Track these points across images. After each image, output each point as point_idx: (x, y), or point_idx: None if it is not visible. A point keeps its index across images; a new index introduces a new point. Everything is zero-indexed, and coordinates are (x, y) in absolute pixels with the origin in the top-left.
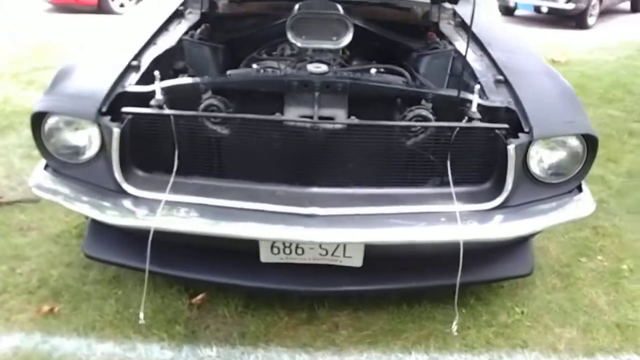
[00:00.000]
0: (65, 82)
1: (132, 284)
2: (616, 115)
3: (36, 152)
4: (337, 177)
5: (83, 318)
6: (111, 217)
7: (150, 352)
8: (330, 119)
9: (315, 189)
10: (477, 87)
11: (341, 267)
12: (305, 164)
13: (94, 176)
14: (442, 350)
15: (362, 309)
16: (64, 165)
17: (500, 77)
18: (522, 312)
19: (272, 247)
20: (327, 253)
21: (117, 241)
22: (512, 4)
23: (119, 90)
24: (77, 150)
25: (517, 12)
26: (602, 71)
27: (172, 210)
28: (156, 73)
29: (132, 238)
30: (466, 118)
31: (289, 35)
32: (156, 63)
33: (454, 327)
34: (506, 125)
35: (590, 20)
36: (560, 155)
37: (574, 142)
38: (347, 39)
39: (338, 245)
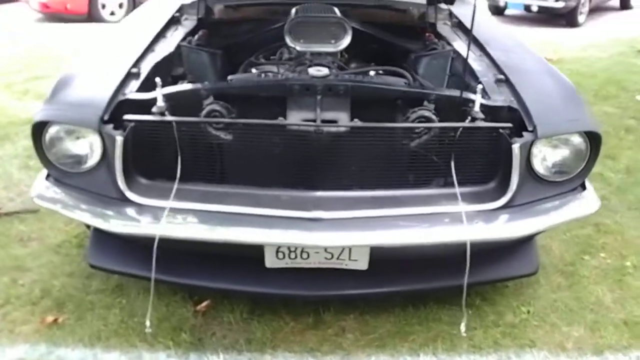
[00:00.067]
0: (66, 91)
1: (136, 292)
2: (611, 112)
3: (34, 163)
4: (341, 180)
5: (88, 328)
6: (115, 225)
7: None
8: (333, 122)
9: (319, 193)
10: (480, 87)
11: (346, 270)
12: (309, 167)
13: (96, 185)
14: (450, 352)
15: (368, 312)
16: (65, 174)
17: (501, 77)
18: (528, 312)
19: (277, 252)
20: (332, 257)
21: (121, 250)
22: (502, 4)
23: (120, 97)
24: (78, 160)
25: (507, 12)
26: (596, 68)
27: (177, 217)
28: (157, 80)
29: (136, 246)
30: (469, 118)
31: (288, 39)
32: (155, 70)
33: (462, 327)
34: (510, 125)
35: (581, 18)
36: (563, 153)
37: (577, 140)
38: (346, 41)
39: (343, 248)
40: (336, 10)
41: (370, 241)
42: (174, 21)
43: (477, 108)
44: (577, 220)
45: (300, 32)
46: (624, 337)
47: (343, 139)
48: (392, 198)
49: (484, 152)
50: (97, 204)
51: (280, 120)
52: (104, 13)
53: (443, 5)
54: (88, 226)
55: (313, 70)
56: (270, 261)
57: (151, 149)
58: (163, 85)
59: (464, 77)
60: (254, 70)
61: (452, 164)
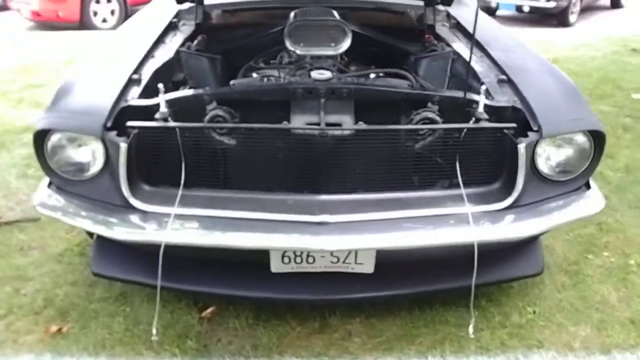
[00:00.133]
0: (67, 98)
1: (140, 300)
2: (608, 110)
3: (32, 171)
4: (346, 184)
5: (92, 337)
6: (119, 233)
7: None
8: (337, 125)
9: (324, 196)
10: (484, 87)
11: (352, 274)
12: (313, 171)
13: (99, 192)
14: (458, 354)
15: (374, 315)
16: (67, 182)
17: (503, 77)
18: (534, 312)
19: (282, 256)
20: (338, 260)
21: (125, 258)
22: (493, 4)
23: (123, 104)
24: (81, 167)
25: (499, 12)
26: (590, 67)
27: (182, 223)
28: (160, 86)
29: (140, 254)
30: (473, 119)
31: (288, 43)
32: (156, 76)
33: (471, 329)
34: (515, 125)
35: (572, 18)
36: (567, 152)
37: (581, 139)
38: (346, 44)
39: (349, 252)
40: (335, 13)
41: (377, 244)
42: (171, 27)
43: (481, 109)
44: (583, 220)
45: (300, 36)
46: (631, 335)
47: (347, 142)
48: (398, 200)
49: (489, 152)
50: (101, 211)
51: (284, 125)
52: (96, 20)
53: (440, 7)
54: (90, 234)
55: (316, 74)
56: (276, 266)
57: (154, 155)
58: (165, 91)
59: (467, 78)
60: (254, 75)
61: (457, 165)
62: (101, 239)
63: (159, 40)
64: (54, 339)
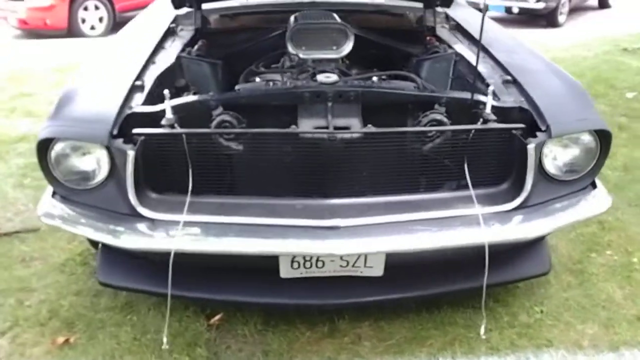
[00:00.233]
0: (70, 106)
1: (146, 308)
2: (603, 110)
3: (28, 181)
4: (355, 187)
5: (100, 347)
6: (127, 241)
7: None
8: (345, 128)
9: (334, 200)
10: (491, 88)
11: (361, 277)
12: (322, 175)
13: (104, 201)
14: (469, 355)
15: (383, 318)
16: (72, 191)
17: (508, 78)
18: (542, 311)
19: (292, 261)
20: (347, 264)
21: (132, 266)
22: (482, 6)
23: (128, 111)
24: (85, 176)
25: (488, 14)
26: (582, 67)
27: (191, 230)
28: (166, 92)
29: (146, 262)
30: (481, 120)
31: (290, 47)
32: (159, 82)
33: (482, 330)
34: (523, 125)
35: (561, 19)
36: (573, 152)
37: (587, 138)
38: (348, 47)
39: (359, 256)
40: (335, 16)
41: (389, 247)
42: (170, 32)
43: (488, 110)
44: (591, 219)
45: (302, 39)
46: (638, 332)
47: (356, 145)
48: (407, 203)
49: (496, 153)
50: (108, 220)
51: (293, 129)
52: (84, 27)
53: (439, 9)
54: (93, 244)
55: (322, 77)
56: (285, 271)
57: (161, 162)
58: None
59: (474, 80)
60: (257, 79)
61: (466, 166)
62: (106, 249)
63: (159, 46)
64: (62, 350)
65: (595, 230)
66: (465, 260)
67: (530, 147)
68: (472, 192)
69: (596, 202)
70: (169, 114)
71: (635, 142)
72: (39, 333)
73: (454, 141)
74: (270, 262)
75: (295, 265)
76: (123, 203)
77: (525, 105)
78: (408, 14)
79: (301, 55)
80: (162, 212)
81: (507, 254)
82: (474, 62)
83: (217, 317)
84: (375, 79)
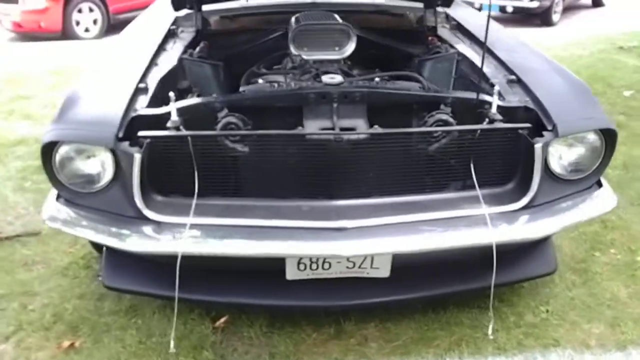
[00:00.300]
0: (74, 109)
1: (151, 312)
2: None
3: (28, 184)
4: (361, 188)
5: (106, 351)
6: (133, 244)
7: None
8: (351, 129)
9: (341, 202)
10: (497, 88)
11: (367, 278)
12: (328, 176)
13: (110, 204)
14: (476, 355)
15: (389, 319)
16: (77, 195)
17: (512, 77)
18: (547, 311)
19: (298, 263)
20: (354, 266)
21: (138, 270)
22: (477, 6)
23: (133, 114)
24: (90, 179)
25: (482, 13)
26: (579, 66)
27: (198, 233)
28: (171, 94)
29: (152, 265)
30: (487, 120)
31: (292, 48)
32: (162, 84)
33: (490, 330)
34: (530, 125)
35: (555, 17)
36: (579, 151)
37: (593, 137)
38: (350, 48)
39: (365, 257)
40: (337, 17)
41: (396, 248)
42: (171, 34)
43: (494, 110)
44: (597, 218)
45: (305, 40)
46: None
47: (362, 146)
48: (414, 203)
49: (502, 153)
50: (113, 223)
51: (299, 130)
52: (79, 30)
53: (440, 8)
54: (97, 247)
55: (327, 78)
56: (292, 273)
57: (166, 165)
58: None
59: (480, 80)
60: (260, 81)
61: (472, 166)
62: (111, 252)
63: (160, 48)
64: (67, 354)
65: (597, 229)
66: (471, 261)
67: (538, 146)
68: (478, 192)
69: (602, 201)
70: (175, 116)
71: (634, 140)
72: (43, 337)
73: (460, 141)
74: (276, 264)
75: (302, 267)
76: (128, 206)
77: (531, 105)
78: (408, 14)
79: (304, 56)
80: (168, 215)
81: (513, 253)
82: (476, 62)
83: (223, 319)
84: (379, 79)
